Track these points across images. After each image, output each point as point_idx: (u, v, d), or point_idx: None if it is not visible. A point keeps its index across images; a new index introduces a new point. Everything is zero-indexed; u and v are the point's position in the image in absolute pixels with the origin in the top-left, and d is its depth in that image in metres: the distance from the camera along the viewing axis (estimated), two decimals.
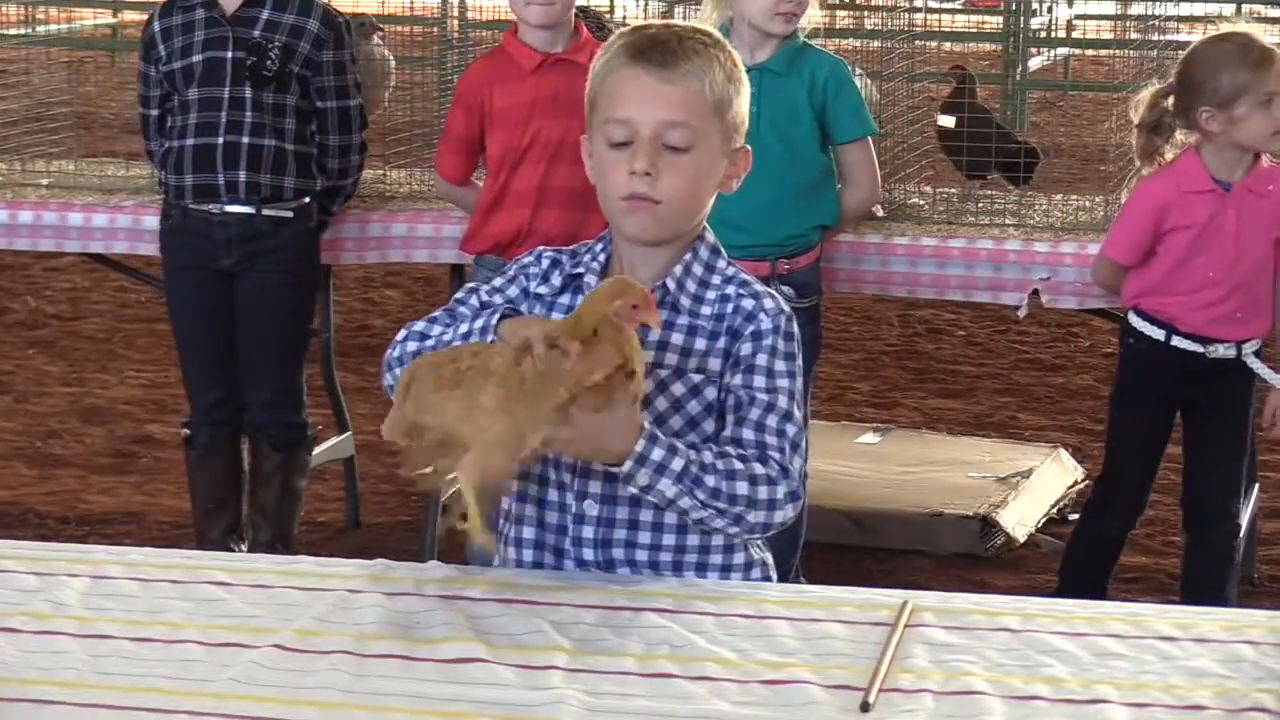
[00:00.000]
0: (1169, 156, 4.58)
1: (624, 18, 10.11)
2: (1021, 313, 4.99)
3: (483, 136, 4.78)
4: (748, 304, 2.64)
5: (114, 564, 2.59)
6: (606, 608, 2.43)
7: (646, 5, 6.76)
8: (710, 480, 2.53)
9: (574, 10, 4.78)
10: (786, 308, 2.67)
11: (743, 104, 2.66)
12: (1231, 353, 4.54)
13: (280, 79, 4.86)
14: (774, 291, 2.69)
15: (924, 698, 2.17)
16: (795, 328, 2.66)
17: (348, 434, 5.81)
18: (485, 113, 4.74)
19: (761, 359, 2.61)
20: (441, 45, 6.20)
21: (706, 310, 2.64)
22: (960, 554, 5.53)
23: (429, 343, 2.65)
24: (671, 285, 2.64)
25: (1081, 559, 4.77)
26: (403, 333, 2.71)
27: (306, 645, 2.29)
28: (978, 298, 5.10)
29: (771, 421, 2.59)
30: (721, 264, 2.69)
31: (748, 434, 2.58)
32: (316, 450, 5.68)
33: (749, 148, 2.69)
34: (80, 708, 2.13)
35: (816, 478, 5.17)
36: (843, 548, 5.48)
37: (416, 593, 2.48)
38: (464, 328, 2.62)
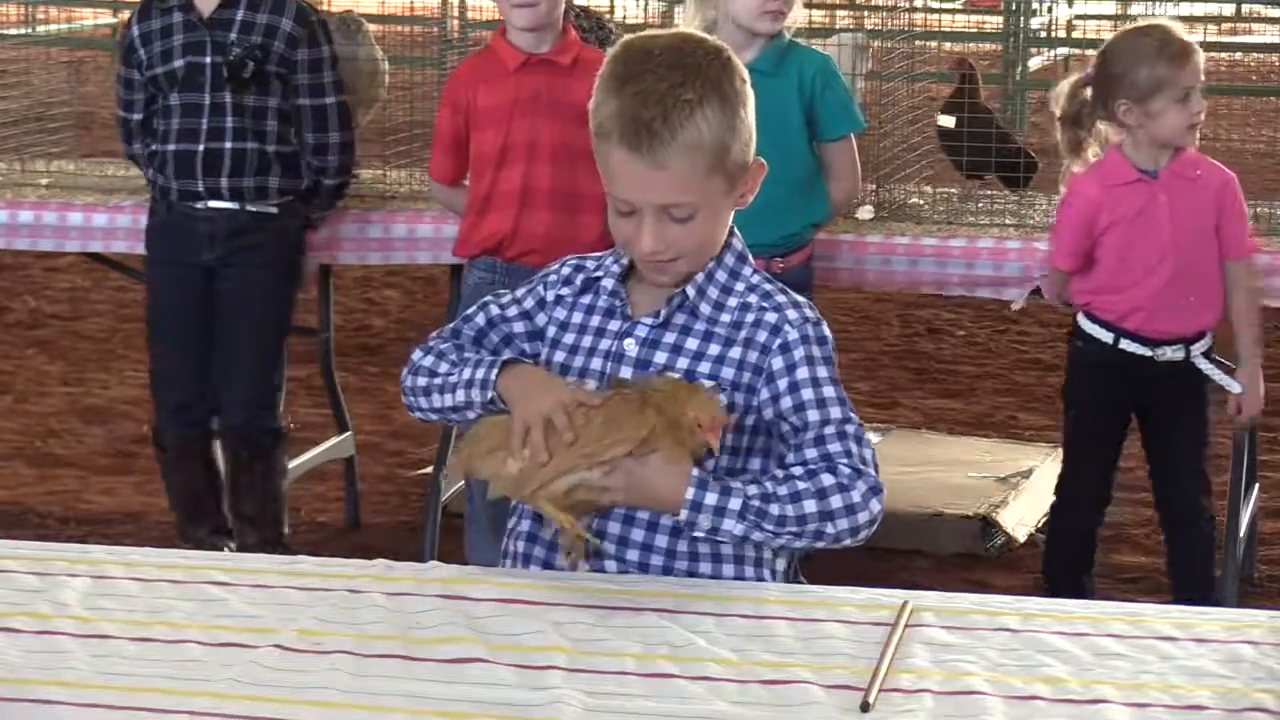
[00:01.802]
0: (1091, 150, 4.60)
1: (624, 17, 10.10)
2: (1016, 305, 4.99)
3: (469, 135, 4.78)
4: (770, 318, 2.63)
5: (114, 564, 2.59)
6: (606, 608, 2.43)
7: (646, 5, 6.76)
8: (774, 509, 2.53)
9: (561, 11, 4.76)
10: (811, 313, 2.65)
11: (743, 128, 2.61)
12: (1180, 355, 4.53)
13: (259, 81, 4.86)
14: (799, 299, 2.68)
15: (924, 698, 2.17)
16: (825, 329, 2.66)
17: (348, 434, 5.81)
18: (469, 111, 4.74)
19: (802, 373, 2.60)
20: (441, 45, 6.21)
21: (726, 318, 2.64)
22: (960, 554, 5.53)
23: (436, 380, 2.70)
24: (692, 293, 2.65)
25: (1059, 559, 4.76)
26: (418, 354, 2.74)
27: (306, 645, 2.29)
28: (980, 293, 5.11)
29: (830, 431, 2.58)
30: (747, 270, 2.68)
31: (811, 453, 2.58)
32: (316, 450, 5.69)
33: (762, 160, 2.67)
34: (81, 708, 2.13)
35: None
36: (843, 548, 5.47)
37: (416, 593, 2.48)
38: (466, 373, 2.65)
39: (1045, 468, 6.04)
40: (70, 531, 5.60)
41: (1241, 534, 4.99)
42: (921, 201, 5.37)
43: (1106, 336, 4.57)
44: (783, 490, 2.54)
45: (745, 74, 2.66)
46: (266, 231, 4.90)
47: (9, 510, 5.82)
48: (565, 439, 2.52)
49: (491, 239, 4.73)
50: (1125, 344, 4.55)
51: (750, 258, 2.71)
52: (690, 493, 2.52)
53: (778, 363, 2.61)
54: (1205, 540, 4.65)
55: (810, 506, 2.54)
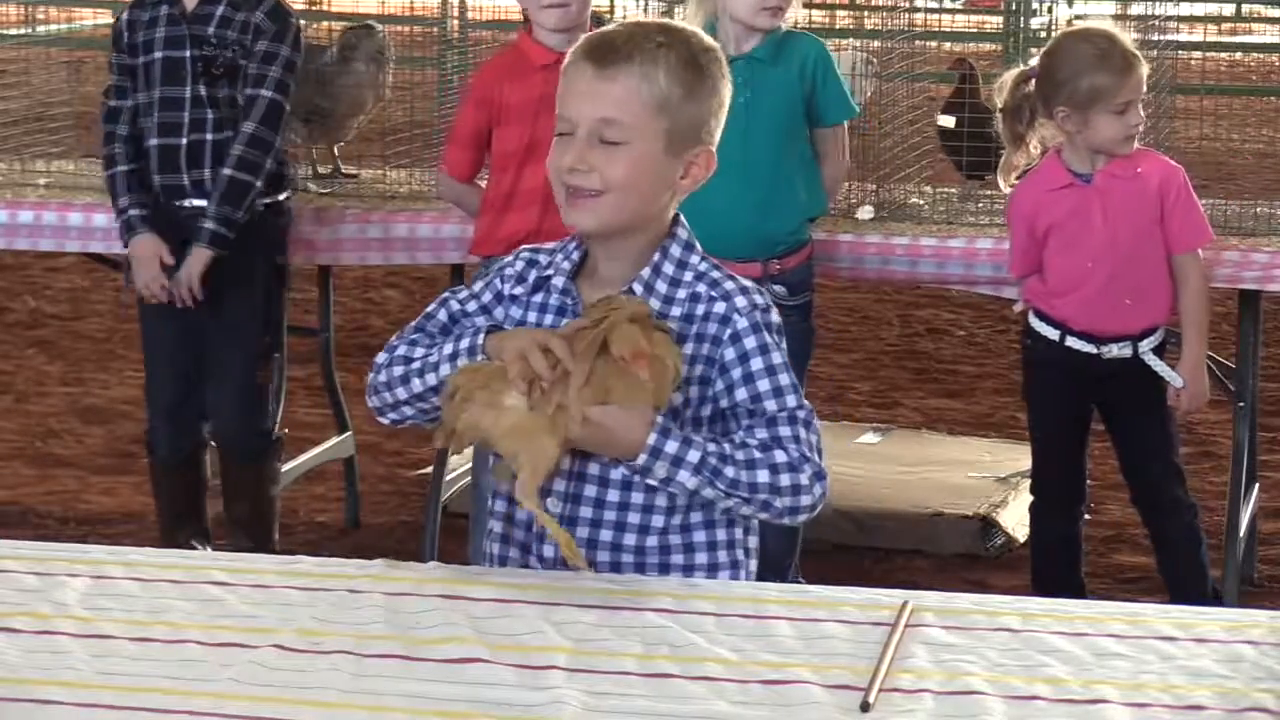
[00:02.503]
0: (1035, 144, 4.60)
1: (624, 17, 10.09)
2: (1018, 307, 4.99)
3: (490, 133, 4.77)
4: (719, 308, 2.64)
5: (114, 564, 2.59)
6: (606, 608, 2.43)
7: (646, 5, 6.75)
8: (729, 471, 2.55)
9: (589, 13, 4.75)
10: (760, 299, 2.66)
11: (704, 102, 2.64)
12: (1127, 352, 4.53)
13: (230, 76, 4.87)
14: (747, 284, 2.68)
15: (924, 698, 2.17)
16: (773, 315, 2.66)
17: (348, 434, 5.82)
18: (496, 108, 4.73)
19: (755, 364, 2.61)
20: (441, 45, 6.20)
21: (676, 311, 2.64)
22: (960, 554, 5.53)
23: (414, 365, 2.68)
24: (639, 289, 2.65)
25: (1044, 563, 4.74)
26: (384, 356, 2.72)
27: (306, 645, 2.29)
28: (981, 289, 5.12)
29: (783, 415, 2.60)
30: (694, 259, 2.68)
31: (761, 433, 2.59)
32: (316, 450, 5.69)
33: (712, 151, 2.66)
34: (81, 708, 2.12)
35: None
36: (843, 548, 5.48)
37: (416, 593, 2.48)
38: (449, 349, 2.65)
39: None
40: (70, 531, 5.60)
41: (1241, 534, 4.99)
42: (921, 201, 5.37)
43: (1053, 334, 4.58)
44: (740, 455, 2.57)
45: (728, 73, 2.69)
46: (251, 232, 4.89)
47: (9, 510, 5.82)
48: (560, 353, 2.51)
49: (514, 236, 4.71)
50: (1071, 341, 4.55)
51: (698, 245, 2.70)
52: (652, 438, 2.53)
53: (730, 353, 2.62)
54: (1189, 530, 4.64)
55: (763, 476, 2.56)
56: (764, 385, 2.61)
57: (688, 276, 2.66)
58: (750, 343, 2.62)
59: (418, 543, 5.25)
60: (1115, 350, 4.53)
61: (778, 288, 4.61)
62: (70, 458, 6.40)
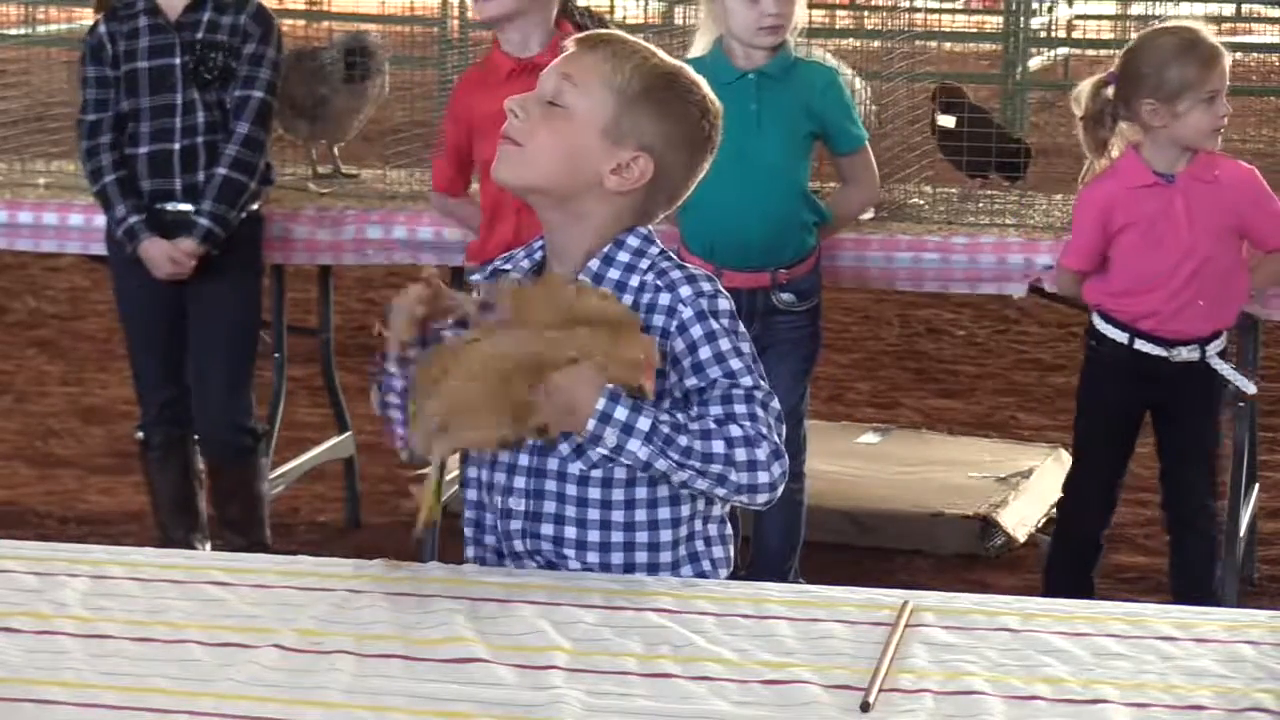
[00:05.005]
0: (1116, 150, 4.58)
1: (624, 18, 10.11)
2: (1018, 294, 4.97)
3: (471, 146, 4.77)
4: (664, 299, 2.62)
5: (114, 564, 2.59)
6: (607, 608, 2.43)
7: (646, 5, 6.76)
8: (683, 440, 2.53)
9: (541, 6, 4.69)
10: (707, 286, 2.64)
11: (660, 122, 2.63)
12: (1195, 355, 4.52)
13: (222, 80, 4.88)
14: (695, 273, 2.66)
15: (924, 698, 2.17)
16: (721, 302, 2.64)
17: (348, 434, 5.81)
18: (469, 121, 4.72)
19: (704, 353, 2.60)
20: (441, 45, 6.21)
21: (627, 298, 2.63)
22: (960, 554, 5.53)
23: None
24: (586, 280, 2.64)
25: (1062, 562, 4.73)
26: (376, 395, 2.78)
27: (306, 645, 2.30)
28: (983, 289, 5.11)
29: (738, 393, 2.58)
30: (652, 250, 2.66)
31: (716, 409, 2.57)
32: (316, 450, 5.69)
33: (649, 162, 2.63)
34: (81, 708, 2.13)
35: (816, 478, 5.19)
36: (843, 548, 5.48)
37: (416, 593, 2.49)
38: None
39: (1045, 468, 6.04)
40: (70, 531, 5.60)
41: (1241, 534, 4.99)
42: (921, 201, 5.37)
43: (1122, 337, 4.55)
44: (694, 426, 2.55)
45: (715, 137, 2.68)
46: (234, 237, 4.90)
47: (9, 510, 5.82)
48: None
49: (501, 245, 4.70)
50: (1140, 344, 4.53)
51: (656, 240, 2.69)
52: (601, 403, 2.51)
53: (679, 344, 2.61)
54: (1206, 541, 4.64)
55: (718, 447, 2.54)
56: (715, 372, 2.59)
57: (642, 265, 2.65)
58: (697, 331, 2.60)
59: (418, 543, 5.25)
60: (1185, 353, 4.51)
61: (787, 295, 4.63)
62: (70, 458, 6.40)
